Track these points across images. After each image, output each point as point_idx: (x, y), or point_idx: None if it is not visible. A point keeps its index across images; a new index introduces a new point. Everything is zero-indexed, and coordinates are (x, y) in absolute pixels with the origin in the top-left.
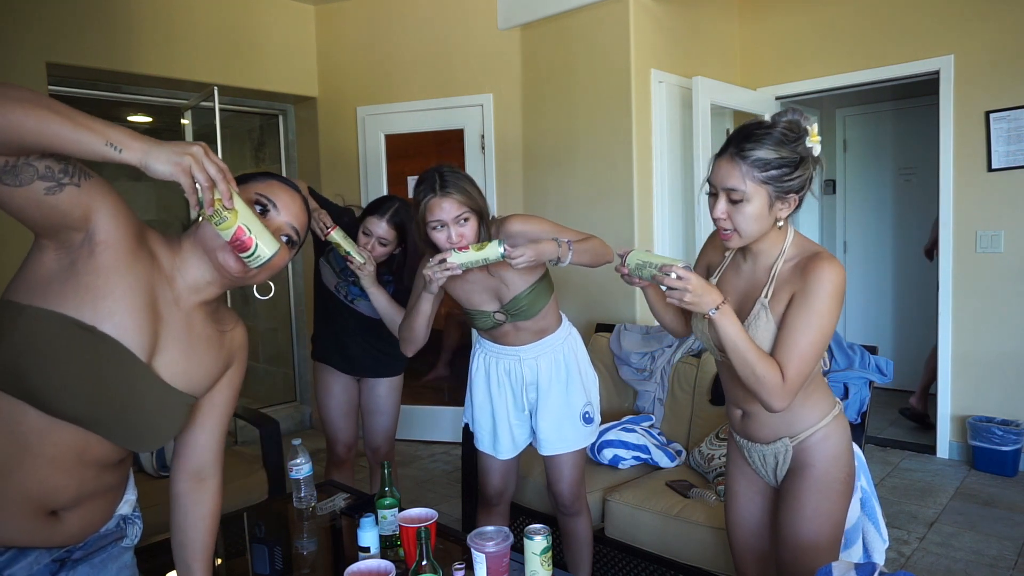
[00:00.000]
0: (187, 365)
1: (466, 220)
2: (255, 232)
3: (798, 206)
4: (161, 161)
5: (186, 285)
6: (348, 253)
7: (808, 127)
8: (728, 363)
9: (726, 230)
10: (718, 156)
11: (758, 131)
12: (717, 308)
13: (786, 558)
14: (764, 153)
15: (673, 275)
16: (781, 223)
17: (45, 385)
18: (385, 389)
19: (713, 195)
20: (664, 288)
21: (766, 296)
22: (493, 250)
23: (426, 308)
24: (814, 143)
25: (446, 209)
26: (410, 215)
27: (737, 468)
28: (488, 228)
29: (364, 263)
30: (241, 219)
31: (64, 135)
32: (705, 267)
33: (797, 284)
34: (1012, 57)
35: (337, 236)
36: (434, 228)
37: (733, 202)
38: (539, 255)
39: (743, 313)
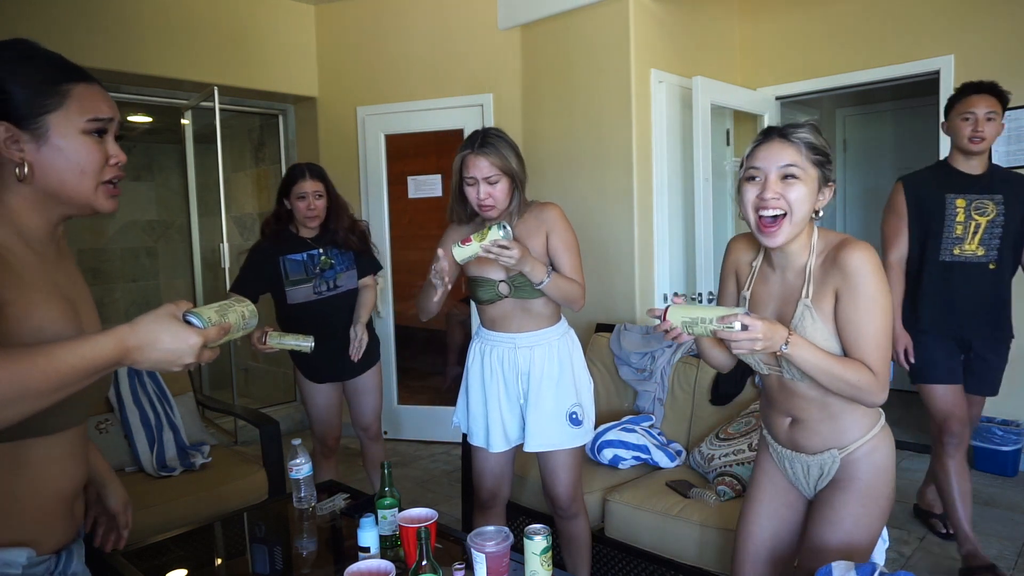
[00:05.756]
0: (90, 308)
1: (496, 181)
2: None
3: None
4: (154, 364)
5: (37, 238)
6: (295, 346)
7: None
8: (777, 377)
9: (775, 211)
10: (760, 143)
11: (800, 124)
12: (787, 343)
13: (813, 567)
14: (812, 138)
15: (737, 326)
16: (820, 214)
17: (39, 424)
18: (367, 372)
19: (751, 180)
20: (730, 341)
21: (807, 296)
22: (494, 233)
23: (437, 296)
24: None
25: (479, 166)
26: (321, 167)
27: (766, 477)
28: (522, 194)
29: (313, 345)
30: (237, 334)
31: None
32: (734, 276)
33: (836, 278)
34: (1012, 57)
35: (274, 340)
36: (468, 184)
37: (786, 180)
38: (520, 264)
39: (785, 318)
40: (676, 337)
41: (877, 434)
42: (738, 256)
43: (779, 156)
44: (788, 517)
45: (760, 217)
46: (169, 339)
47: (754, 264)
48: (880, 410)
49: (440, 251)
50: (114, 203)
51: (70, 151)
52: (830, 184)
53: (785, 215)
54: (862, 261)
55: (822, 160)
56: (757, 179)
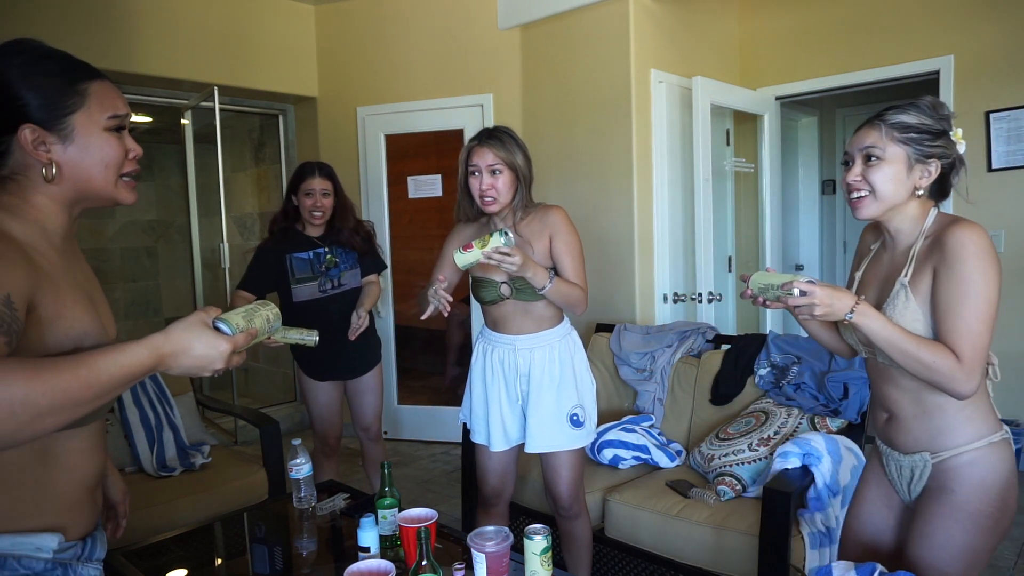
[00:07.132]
0: (104, 302)
1: (499, 172)
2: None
3: (944, 183)
4: (186, 371)
5: (60, 236)
6: (300, 340)
7: (953, 120)
8: (875, 362)
9: (859, 193)
10: (858, 128)
11: (902, 104)
12: (852, 311)
13: None
14: (905, 117)
15: (796, 292)
16: (921, 191)
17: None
18: (369, 373)
19: (847, 164)
20: (793, 308)
21: (905, 275)
22: (496, 240)
23: (426, 315)
24: (959, 141)
25: (484, 155)
26: (331, 167)
27: (872, 473)
28: (527, 192)
29: (318, 339)
30: (261, 337)
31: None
32: (859, 262)
33: (936, 256)
34: (1012, 57)
35: (279, 334)
36: (471, 174)
37: (869, 161)
38: (522, 270)
39: (884, 298)
40: (761, 303)
41: (984, 447)
42: (866, 241)
43: (862, 139)
44: (887, 517)
45: (851, 198)
46: (201, 346)
47: (873, 247)
48: (999, 422)
49: (440, 276)
50: (135, 194)
51: (95, 149)
52: (930, 160)
53: (868, 195)
54: (964, 239)
55: (921, 137)
56: (849, 164)
